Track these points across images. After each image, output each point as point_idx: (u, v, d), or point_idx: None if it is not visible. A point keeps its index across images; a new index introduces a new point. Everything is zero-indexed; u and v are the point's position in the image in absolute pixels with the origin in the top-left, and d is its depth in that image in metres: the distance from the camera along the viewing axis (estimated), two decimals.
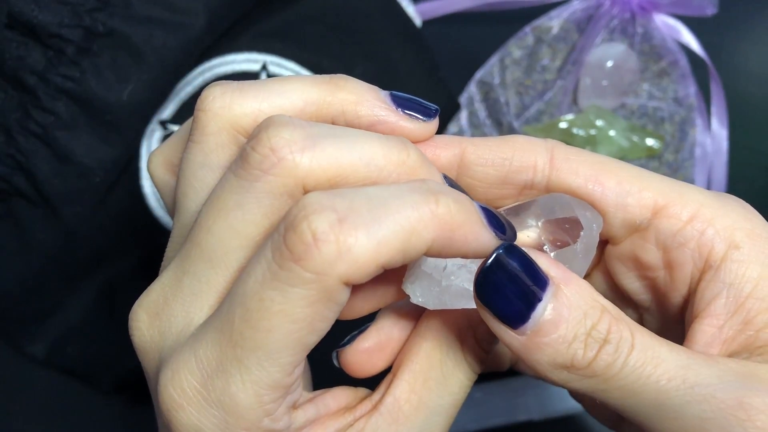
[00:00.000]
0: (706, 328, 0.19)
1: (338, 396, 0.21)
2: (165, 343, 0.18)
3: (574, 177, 0.20)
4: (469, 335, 0.20)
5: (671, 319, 0.21)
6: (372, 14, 0.43)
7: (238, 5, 0.38)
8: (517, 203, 0.21)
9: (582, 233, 0.19)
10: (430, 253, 0.17)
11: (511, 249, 0.17)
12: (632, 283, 0.22)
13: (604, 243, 0.22)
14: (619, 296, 0.23)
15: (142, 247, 0.39)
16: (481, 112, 0.49)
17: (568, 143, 0.52)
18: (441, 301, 0.19)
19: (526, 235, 0.20)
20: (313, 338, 0.16)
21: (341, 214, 0.15)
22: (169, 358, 0.17)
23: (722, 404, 0.16)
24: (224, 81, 0.19)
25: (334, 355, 0.23)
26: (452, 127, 0.49)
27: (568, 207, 0.19)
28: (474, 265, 0.19)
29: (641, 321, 0.23)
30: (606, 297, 0.24)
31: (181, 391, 0.17)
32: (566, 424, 0.43)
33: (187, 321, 0.18)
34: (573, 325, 0.17)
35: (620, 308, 0.24)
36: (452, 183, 0.20)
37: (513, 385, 0.43)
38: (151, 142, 0.38)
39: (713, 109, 0.48)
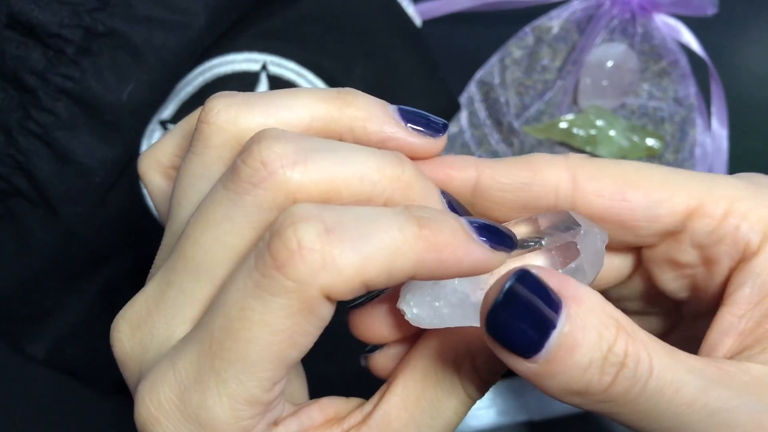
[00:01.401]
0: (727, 317, 0.19)
1: (325, 407, 0.20)
2: (146, 356, 0.18)
3: (599, 199, 0.19)
4: (467, 363, 0.19)
5: (709, 309, 0.21)
6: (372, 14, 0.43)
7: (238, 5, 0.38)
8: (519, 219, 0.20)
9: (588, 248, 0.19)
10: (420, 276, 0.16)
11: (521, 278, 0.16)
12: (671, 283, 0.21)
13: (639, 248, 0.21)
14: (657, 295, 0.22)
15: (142, 247, 0.39)
16: (481, 112, 0.49)
17: (568, 143, 0.52)
18: (438, 315, 0.18)
19: (530, 251, 0.19)
20: (294, 354, 0.16)
21: (329, 226, 0.15)
22: (148, 370, 0.17)
23: (742, 429, 0.16)
24: (228, 92, 0.19)
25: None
26: (452, 127, 0.49)
27: (572, 222, 0.19)
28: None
29: (678, 312, 0.23)
30: (644, 298, 0.23)
31: (158, 403, 0.16)
32: (566, 424, 0.43)
33: (168, 334, 0.18)
34: (588, 348, 0.16)
35: (658, 304, 0.22)
36: (450, 199, 0.20)
37: (513, 385, 0.43)
38: (151, 142, 0.38)
39: (713, 109, 0.48)
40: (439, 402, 0.19)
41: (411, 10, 0.45)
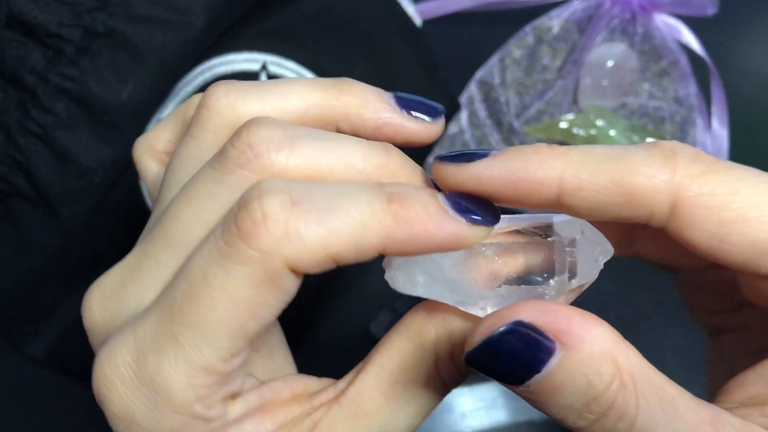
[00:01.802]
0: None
1: (293, 383, 0.19)
2: (114, 325, 0.18)
3: (698, 233, 0.17)
4: (446, 351, 0.18)
5: None
6: (372, 14, 0.43)
7: (238, 5, 0.38)
8: (529, 216, 0.19)
9: (583, 258, 0.18)
10: (392, 251, 0.16)
11: (510, 331, 0.15)
12: (753, 298, 0.19)
13: None
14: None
15: None
16: (482, 111, 0.49)
17: (568, 143, 0.52)
18: (412, 282, 0.18)
19: (524, 237, 0.18)
20: (254, 326, 0.16)
21: (295, 198, 0.15)
22: (111, 336, 0.17)
23: None
24: (229, 81, 0.19)
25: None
26: (452, 127, 0.49)
27: (576, 231, 0.18)
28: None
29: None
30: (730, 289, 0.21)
31: (114, 368, 0.16)
32: None
33: (139, 304, 0.18)
34: (571, 393, 0.15)
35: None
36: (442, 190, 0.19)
37: None
38: None
39: (714, 108, 0.48)
40: (414, 387, 0.18)
41: (411, 10, 0.45)
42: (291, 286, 0.16)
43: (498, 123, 0.49)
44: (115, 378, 0.16)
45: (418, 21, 0.46)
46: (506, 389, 0.42)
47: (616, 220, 0.17)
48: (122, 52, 0.35)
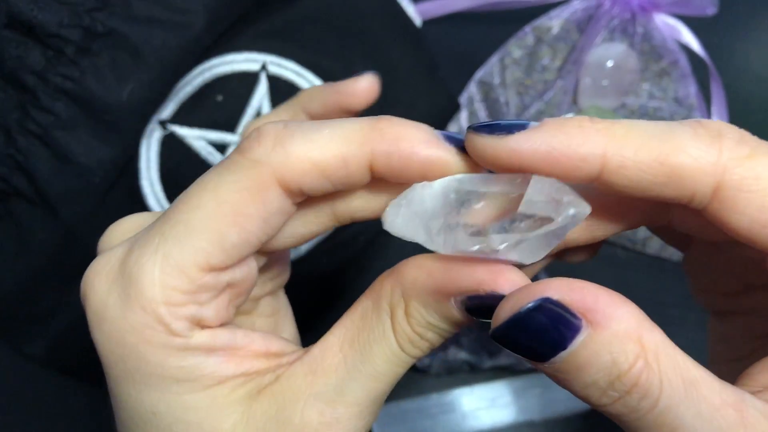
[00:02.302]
0: None
1: (271, 341, 0.19)
2: None
3: (739, 216, 0.16)
4: (399, 308, 0.18)
5: None
6: (372, 14, 0.43)
7: (238, 5, 0.38)
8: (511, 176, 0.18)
9: (556, 221, 0.17)
10: (379, 167, 0.17)
11: (538, 307, 0.15)
12: None
13: None
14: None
15: None
16: (481, 111, 0.49)
17: None
18: (394, 217, 0.17)
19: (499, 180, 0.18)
20: (234, 236, 0.17)
21: (288, 125, 0.17)
22: None
23: None
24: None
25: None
26: (452, 127, 0.49)
27: (554, 188, 0.17)
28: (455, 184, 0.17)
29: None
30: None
31: (105, 262, 0.18)
32: (566, 424, 0.43)
33: None
34: (596, 370, 0.15)
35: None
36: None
37: (513, 386, 0.43)
38: (151, 142, 0.38)
39: (713, 109, 0.48)
40: (370, 347, 0.18)
41: (411, 10, 0.45)
42: (276, 202, 0.17)
43: None
44: (102, 270, 0.18)
45: (418, 21, 0.46)
46: (506, 389, 0.43)
47: (657, 199, 0.17)
48: (122, 52, 0.35)
